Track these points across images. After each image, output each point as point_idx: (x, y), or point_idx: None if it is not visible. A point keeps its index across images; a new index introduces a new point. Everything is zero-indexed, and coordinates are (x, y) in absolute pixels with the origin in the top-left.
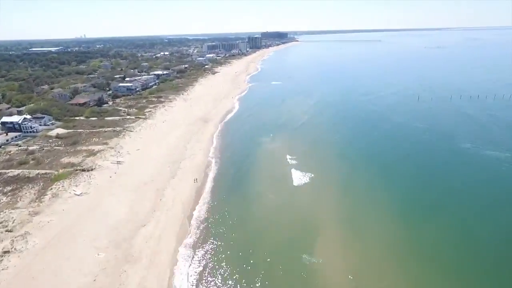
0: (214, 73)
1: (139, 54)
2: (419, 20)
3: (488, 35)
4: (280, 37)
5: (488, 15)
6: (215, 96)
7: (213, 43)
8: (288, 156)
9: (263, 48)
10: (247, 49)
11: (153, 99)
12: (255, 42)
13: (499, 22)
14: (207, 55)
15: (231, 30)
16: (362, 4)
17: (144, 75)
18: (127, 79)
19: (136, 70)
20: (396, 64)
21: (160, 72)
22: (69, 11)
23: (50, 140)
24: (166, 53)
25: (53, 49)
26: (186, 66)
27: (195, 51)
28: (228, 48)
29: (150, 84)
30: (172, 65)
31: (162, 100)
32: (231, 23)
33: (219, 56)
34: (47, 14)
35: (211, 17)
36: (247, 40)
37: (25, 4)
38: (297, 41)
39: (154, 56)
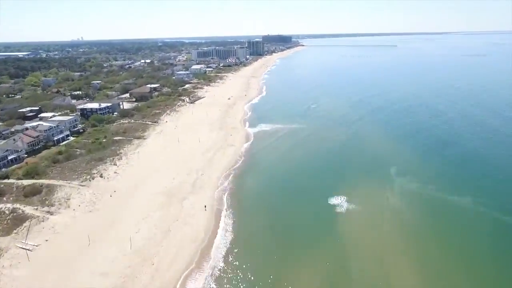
0: (194, 100)
1: (106, 64)
2: (419, 24)
3: (500, 40)
4: (284, 41)
5: (487, 20)
6: (177, 178)
7: (205, 49)
8: None
9: (266, 54)
10: (247, 56)
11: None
12: (257, 48)
13: (498, 26)
14: (194, 67)
15: (229, 33)
16: (360, 6)
17: (86, 102)
18: (42, 115)
19: (80, 92)
20: (466, 82)
21: (95, 106)
22: (70, 13)
23: None
24: (147, 60)
25: (20, 54)
26: (155, 86)
27: (184, 58)
28: (223, 55)
29: (57, 138)
30: (138, 84)
31: (26, 216)
32: (229, 26)
33: (210, 67)
34: (47, 16)
35: (208, 20)
36: (246, 45)
37: (25, 5)
38: (302, 45)
39: (127, 66)
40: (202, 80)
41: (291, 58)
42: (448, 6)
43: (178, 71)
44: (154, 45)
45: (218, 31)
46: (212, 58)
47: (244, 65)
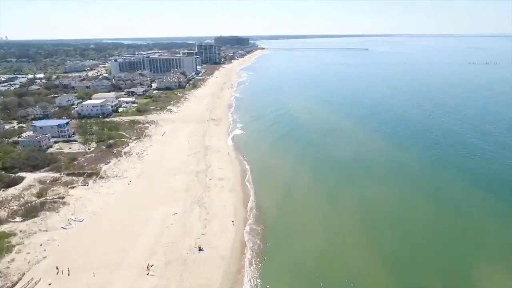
0: None
1: None
2: (371, 26)
3: (476, 42)
4: (241, 44)
5: (484, 22)
6: None
7: (131, 59)
8: None
9: (224, 62)
10: (198, 67)
11: None
12: (211, 54)
13: (496, 29)
14: (92, 100)
15: (176, 34)
16: (308, 6)
17: None
18: None
19: None
20: None
21: None
22: (77, 13)
23: None
24: (38, 76)
25: None
26: None
27: (104, 70)
28: (162, 66)
29: None
30: None
31: None
32: (176, 27)
33: (131, 96)
34: (54, 15)
35: (153, 19)
36: (196, 51)
37: (31, 4)
38: (262, 48)
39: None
40: (88, 149)
41: (259, 68)
42: (397, 9)
43: (43, 114)
44: (86, 47)
45: (164, 31)
46: (141, 74)
47: (194, 86)
